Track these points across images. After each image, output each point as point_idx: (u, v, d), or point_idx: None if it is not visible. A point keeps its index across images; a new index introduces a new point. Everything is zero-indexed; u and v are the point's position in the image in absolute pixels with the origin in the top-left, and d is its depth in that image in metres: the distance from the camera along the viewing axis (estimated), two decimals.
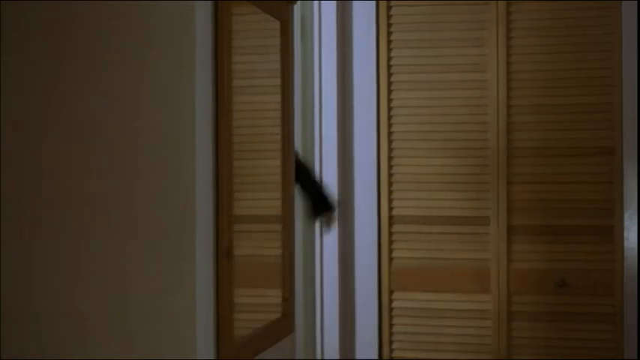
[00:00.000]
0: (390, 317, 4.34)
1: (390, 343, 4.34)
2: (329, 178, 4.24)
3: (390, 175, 4.33)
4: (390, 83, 4.32)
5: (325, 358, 4.24)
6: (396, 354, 4.34)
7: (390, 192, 4.33)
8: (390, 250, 4.33)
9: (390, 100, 4.33)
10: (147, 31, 2.12)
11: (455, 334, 4.26)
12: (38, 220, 2.17)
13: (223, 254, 2.23)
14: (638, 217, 4.05)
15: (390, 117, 4.32)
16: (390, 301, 4.34)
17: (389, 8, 4.32)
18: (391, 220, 4.33)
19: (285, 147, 2.71)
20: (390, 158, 4.32)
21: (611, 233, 4.10)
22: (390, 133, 4.32)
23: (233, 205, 2.28)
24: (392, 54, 4.32)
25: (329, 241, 4.24)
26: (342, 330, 4.29)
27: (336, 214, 3.68)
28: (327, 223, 3.63)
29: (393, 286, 4.34)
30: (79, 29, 2.14)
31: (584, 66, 4.13)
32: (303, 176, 3.40)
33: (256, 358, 2.46)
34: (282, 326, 2.70)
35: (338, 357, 4.25)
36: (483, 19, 4.22)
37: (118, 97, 2.13)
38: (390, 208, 4.33)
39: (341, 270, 4.29)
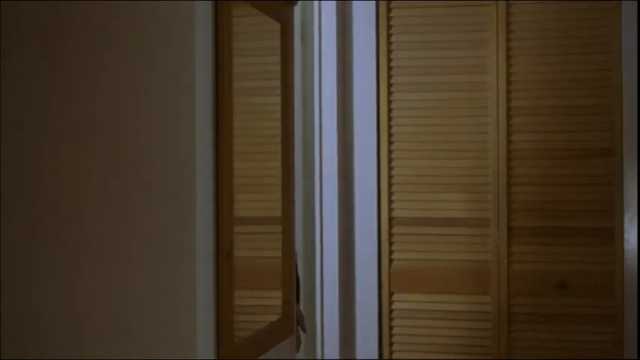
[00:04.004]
0: (390, 318, 4.34)
1: (390, 344, 4.34)
2: (329, 179, 4.24)
3: (390, 176, 4.33)
4: (390, 85, 4.32)
5: (325, 358, 4.23)
6: (396, 355, 4.33)
7: (390, 193, 4.33)
8: (390, 252, 4.33)
9: (390, 102, 4.33)
10: (147, 31, 2.12)
11: (455, 335, 4.26)
12: (38, 220, 2.17)
13: (224, 255, 2.23)
14: (638, 218, 4.05)
15: (390, 118, 4.32)
16: (390, 302, 4.34)
17: (389, 10, 4.32)
18: (391, 221, 4.33)
19: (285, 148, 2.71)
20: (390, 160, 4.32)
21: (611, 235, 4.10)
22: (390, 135, 4.32)
23: (233, 206, 2.28)
24: (392, 55, 4.32)
25: (329, 242, 4.24)
26: (342, 331, 4.28)
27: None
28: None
29: (393, 288, 4.33)
30: (79, 29, 2.14)
31: (584, 67, 4.13)
32: None
33: (256, 359, 2.46)
34: (282, 328, 2.70)
35: (338, 358, 4.25)
36: (483, 20, 4.22)
37: (118, 97, 2.13)
38: (390, 210, 4.33)
39: (341, 271, 4.29)
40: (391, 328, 4.34)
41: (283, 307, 2.70)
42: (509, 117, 4.20)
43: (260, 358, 2.48)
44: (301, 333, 3.10)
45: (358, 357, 4.35)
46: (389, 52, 4.32)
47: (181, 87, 2.10)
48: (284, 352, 2.72)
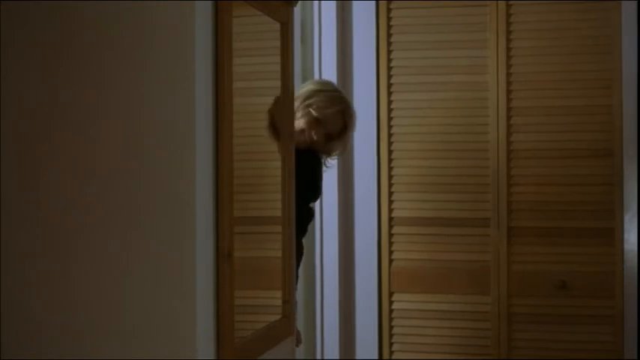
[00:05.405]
0: (390, 318, 4.34)
1: (390, 344, 4.34)
2: (329, 179, 4.23)
3: (390, 176, 4.33)
4: (389, 85, 4.32)
5: (325, 358, 4.23)
6: (396, 355, 4.33)
7: (390, 193, 4.33)
8: (390, 252, 4.33)
9: (390, 102, 4.33)
10: (147, 31, 2.12)
11: (455, 335, 4.26)
12: (38, 220, 2.17)
13: (224, 256, 2.23)
14: (638, 218, 4.05)
15: (390, 119, 4.32)
16: (390, 302, 4.34)
17: (389, 10, 4.32)
18: (391, 221, 4.33)
19: (285, 149, 2.71)
20: (390, 160, 4.32)
21: (611, 235, 4.10)
22: (390, 135, 4.32)
23: (233, 206, 2.28)
24: (392, 55, 4.32)
25: (329, 242, 4.24)
26: (342, 331, 4.28)
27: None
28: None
29: (393, 288, 4.33)
30: (79, 29, 2.15)
31: (584, 67, 4.13)
32: None
33: (257, 359, 2.46)
34: (282, 328, 2.70)
35: (338, 358, 4.25)
36: (483, 20, 4.22)
37: (117, 97, 2.13)
38: (390, 210, 4.32)
39: (341, 271, 4.29)
40: (391, 328, 4.34)
41: (283, 307, 2.70)
42: (509, 117, 4.20)
43: (260, 358, 2.48)
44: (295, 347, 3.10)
45: (358, 357, 4.35)
46: (389, 52, 4.32)
47: (181, 87, 2.10)
48: (284, 353, 2.72)
